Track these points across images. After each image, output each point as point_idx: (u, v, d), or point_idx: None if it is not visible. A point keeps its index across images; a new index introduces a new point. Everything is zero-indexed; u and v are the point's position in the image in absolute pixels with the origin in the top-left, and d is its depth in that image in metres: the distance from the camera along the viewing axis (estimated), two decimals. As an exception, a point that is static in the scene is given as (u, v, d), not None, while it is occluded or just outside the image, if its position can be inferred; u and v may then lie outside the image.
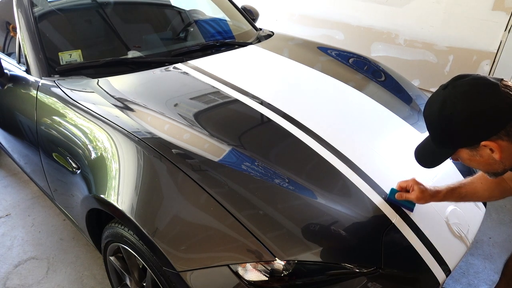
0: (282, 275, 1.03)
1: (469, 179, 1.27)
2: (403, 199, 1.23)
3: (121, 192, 1.22)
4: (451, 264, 1.21)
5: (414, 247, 1.17)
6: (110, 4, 2.26)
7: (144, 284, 1.35)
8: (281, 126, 1.46)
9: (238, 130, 1.46)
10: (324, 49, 2.34)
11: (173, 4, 2.63)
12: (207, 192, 1.13)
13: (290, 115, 1.52)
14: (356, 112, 1.69)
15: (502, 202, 2.33)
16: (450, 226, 1.28)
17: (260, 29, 2.60)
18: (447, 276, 1.18)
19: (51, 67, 1.74)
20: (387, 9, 3.48)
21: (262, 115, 1.52)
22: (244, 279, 1.03)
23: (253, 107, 1.55)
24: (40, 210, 2.28)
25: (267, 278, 1.03)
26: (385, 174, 1.37)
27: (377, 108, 1.74)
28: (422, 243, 1.19)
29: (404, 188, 1.24)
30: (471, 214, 1.40)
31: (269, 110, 1.54)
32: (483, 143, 0.92)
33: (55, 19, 2.03)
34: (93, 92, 1.59)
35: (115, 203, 1.20)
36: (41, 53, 1.75)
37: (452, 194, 1.24)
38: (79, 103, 1.51)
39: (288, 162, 1.32)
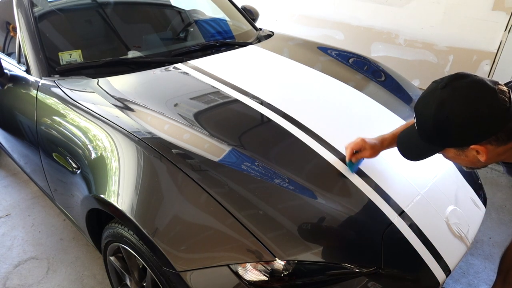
0: (282, 275, 1.03)
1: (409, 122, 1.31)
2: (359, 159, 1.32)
3: (121, 192, 1.22)
4: (451, 264, 1.21)
5: (414, 247, 1.17)
6: (110, 4, 2.26)
7: (144, 284, 1.35)
8: (281, 126, 1.46)
9: (238, 130, 1.46)
10: (324, 49, 2.34)
11: (173, 4, 2.63)
12: (207, 192, 1.12)
13: (290, 115, 1.52)
14: (356, 112, 1.69)
15: (502, 202, 2.33)
16: (450, 226, 1.28)
17: (260, 29, 2.60)
18: (447, 276, 1.19)
19: (51, 67, 1.74)
20: (387, 9, 3.48)
21: (262, 115, 1.52)
22: (244, 279, 1.03)
23: (253, 107, 1.55)
24: (40, 210, 2.28)
25: (267, 278, 1.03)
26: (385, 173, 1.36)
27: (377, 108, 1.74)
28: (422, 243, 1.19)
29: (357, 150, 1.31)
30: (471, 214, 1.40)
31: (269, 110, 1.54)
32: (472, 146, 0.93)
33: (55, 19, 2.03)
34: (93, 92, 1.59)
35: (115, 203, 1.20)
36: (41, 53, 1.75)
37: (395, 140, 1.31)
38: (79, 103, 1.51)
39: (288, 162, 1.32)
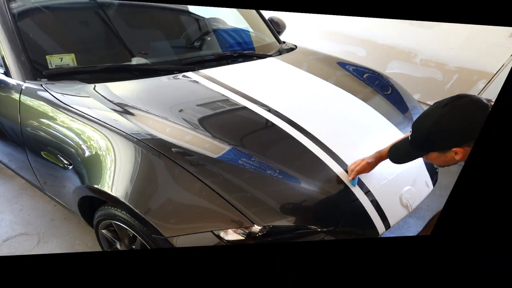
0: (257, 235, 1.35)
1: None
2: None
3: (115, 183, 1.43)
4: (392, 222, 1.62)
5: (370, 215, 1.56)
6: (110, 4, 2.22)
7: (134, 247, 1.63)
8: (283, 130, 1.72)
9: (240, 132, 1.69)
10: (343, 64, 2.64)
11: (191, 10, 2.71)
12: (202, 181, 1.37)
13: (294, 120, 1.78)
14: (357, 120, 2.00)
15: (447, 183, 2.68)
16: (402, 200, 1.68)
17: (284, 42, 2.87)
18: (386, 230, 1.60)
19: (37, 70, 1.80)
20: (415, 30, 3.90)
21: (267, 120, 1.77)
22: (224, 239, 1.34)
23: (259, 113, 1.79)
24: (29, 198, 2.44)
25: (243, 238, 1.35)
26: (383, 175, 1.73)
27: (377, 117, 2.06)
28: (377, 212, 1.58)
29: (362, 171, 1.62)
30: (420, 191, 1.81)
31: (275, 116, 1.79)
32: (454, 149, 1.27)
33: (42, 18, 1.97)
34: (88, 96, 1.73)
35: (109, 191, 1.43)
36: (23, 55, 1.78)
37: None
38: (70, 106, 1.64)
39: (284, 158, 1.60)
